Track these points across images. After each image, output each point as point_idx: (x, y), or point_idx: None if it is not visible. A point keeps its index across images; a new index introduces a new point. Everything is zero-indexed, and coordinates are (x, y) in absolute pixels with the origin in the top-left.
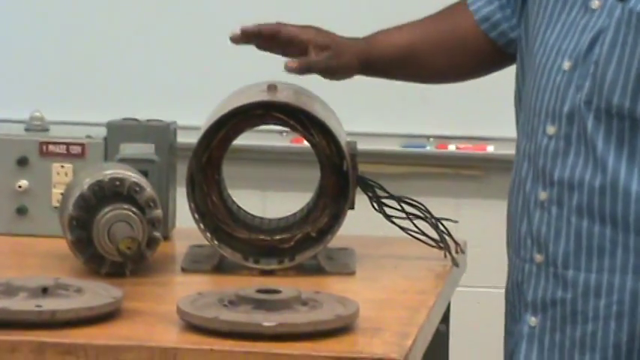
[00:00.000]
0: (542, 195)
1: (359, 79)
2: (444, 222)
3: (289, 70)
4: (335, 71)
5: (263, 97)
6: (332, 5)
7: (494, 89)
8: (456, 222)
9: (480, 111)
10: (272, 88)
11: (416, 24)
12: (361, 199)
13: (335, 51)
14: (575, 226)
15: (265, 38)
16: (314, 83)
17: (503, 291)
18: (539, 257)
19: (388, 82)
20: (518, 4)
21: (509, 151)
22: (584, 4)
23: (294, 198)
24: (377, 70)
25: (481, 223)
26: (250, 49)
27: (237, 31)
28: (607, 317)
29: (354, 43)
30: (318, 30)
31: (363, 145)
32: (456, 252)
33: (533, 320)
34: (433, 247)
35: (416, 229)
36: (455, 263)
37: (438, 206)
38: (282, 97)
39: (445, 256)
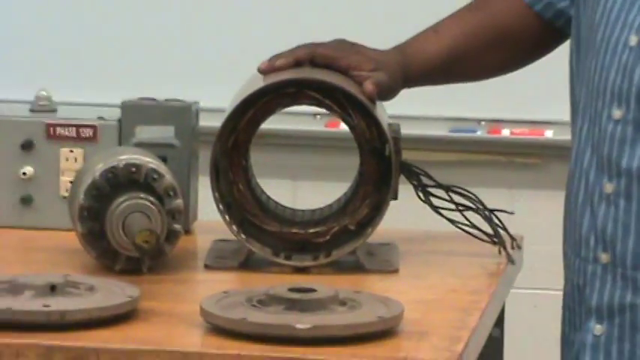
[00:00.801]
0: (608, 187)
1: None
2: (497, 214)
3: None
4: (386, 95)
5: (295, 74)
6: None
7: (553, 67)
8: (511, 213)
9: (536, 92)
10: (305, 64)
11: (453, 21)
12: (405, 189)
13: (384, 72)
14: None
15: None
16: None
17: (560, 292)
18: (604, 257)
19: None
20: None
21: (570, 136)
22: None
23: (329, 188)
24: (420, 83)
25: (538, 217)
26: (280, 24)
27: (266, 65)
28: None
29: (393, 57)
30: (353, 48)
31: (407, 130)
32: (512, 248)
33: (598, 328)
34: (486, 242)
35: (466, 222)
36: (511, 260)
37: (490, 198)
38: (316, 74)
39: (500, 252)
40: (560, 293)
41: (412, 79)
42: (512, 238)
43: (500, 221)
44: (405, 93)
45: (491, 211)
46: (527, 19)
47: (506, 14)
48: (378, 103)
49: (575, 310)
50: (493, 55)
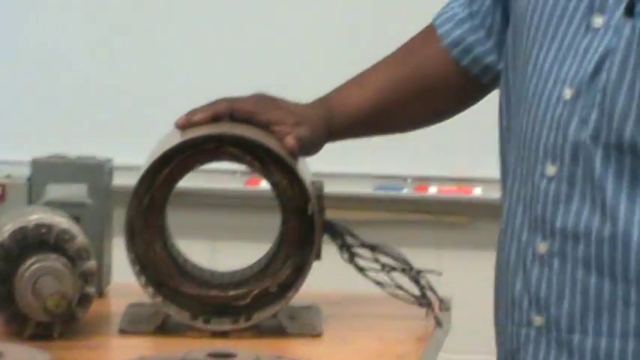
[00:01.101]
0: (542, 247)
1: None
2: (425, 275)
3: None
4: (309, 150)
5: (214, 129)
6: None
7: (481, 123)
8: (439, 274)
9: (464, 148)
10: (224, 118)
11: (377, 72)
12: (329, 248)
13: (307, 126)
14: (582, 282)
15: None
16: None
17: (493, 357)
18: (538, 320)
19: None
20: (495, 25)
21: (500, 194)
22: (584, 23)
23: (250, 249)
24: (344, 136)
25: (466, 279)
26: (201, 76)
27: (183, 119)
28: None
29: (315, 111)
30: (273, 102)
31: (330, 187)
32: (440, 310)
33: None
34: (413, 304)
35: (393, 283)
36: (439, 323)
37: (417, 257)
38: (236, 129)
39: (427, 314)
40: (491, 358)
41: (336, 133)
42: (440, 300)
43: (427, 282)
44: (328, 148)
45: (419, 271)
46: (453, 73)
47: (431, 66)
48: (300, 159)
49: None
50: (418, 107)
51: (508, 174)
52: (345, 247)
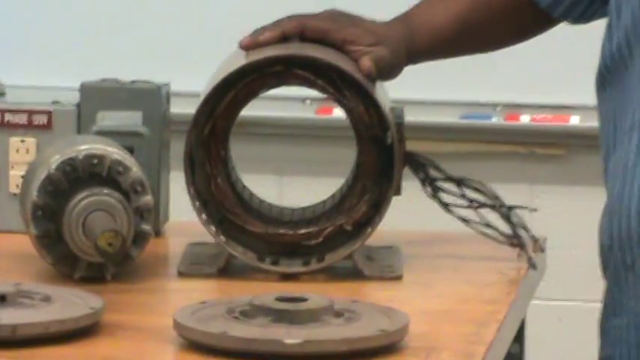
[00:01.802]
0: None
1: None
2: (517, 212)
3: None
4: (388, 73)
5: (282, 50)
6: None
7: (578, 46)
8: (533, 211)
9: (560, 72)
10: (294, 38)
11: None
12: (410, 184)
13: (385, 46)
14: None
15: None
16: None
17: (591, 305)
18: None
19: None
20: None
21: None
22: None
23: (321, 183)
24: (426, 57)
25: (563, 217)
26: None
27: (248, 39)
28: None
29: (396, 30)
30: (349, 20)
31: (412, 116)
32: (534, 251)
33: None
34: (504, 243)
35: (481, 221)
36: (532, 265)
37: (508, 193)
38: (306, 49)
39: (519, 255)
40: (589, 305)
41: (418, 54)
42: (535, 240)
43: (520, 220)
44: (409, 73)
45: (510, 207)
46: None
47: None
48: (378, 83)
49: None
50: (504, 25)
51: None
52: (428, 181)
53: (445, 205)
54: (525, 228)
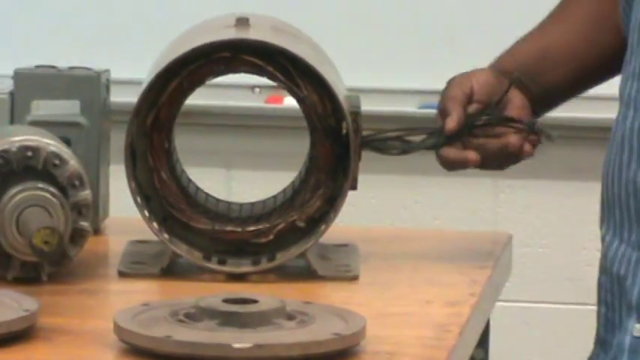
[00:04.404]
0: None
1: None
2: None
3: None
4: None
5: (230, 34)
6: None
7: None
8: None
9: None
10: (243, 22)
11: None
12: (366, 177)
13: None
14: None
15: None
16: (299, 18)
17: (560, 307)
18: None
19: (399, 20)
20: None
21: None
22: None
23: (272, 177)
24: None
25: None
26: None
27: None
28: None
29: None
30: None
31: (368, 106)
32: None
33: (639, 328)
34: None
35: None
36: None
37: (470, 188)
38: (257, 34)
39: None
40: (555, 307)
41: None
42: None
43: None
44: (365, 60)
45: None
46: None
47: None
48: (331, 69)
49: (613, 305)
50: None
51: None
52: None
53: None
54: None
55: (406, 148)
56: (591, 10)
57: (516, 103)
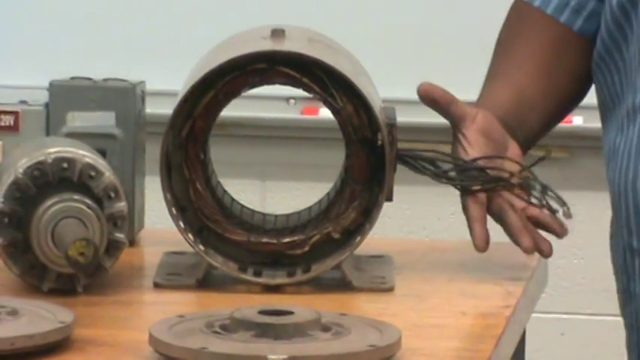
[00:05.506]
0: None
1: (395, 28)
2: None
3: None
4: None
5: (265, 45)
6: None
7: None
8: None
9: None
10: (278, 33)
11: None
12: (402, 188)
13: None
14: None
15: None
16: (335, 29)
17: (596, 318)
18: None
19: (434, 32)
20: None
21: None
22: None
23: (307, 189)
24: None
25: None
26: None
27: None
28: None
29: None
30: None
31: (404, 117)
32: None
33: None
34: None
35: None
36: (566, 213)
37: None
38: (292, 45)
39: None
40: (591, 318)
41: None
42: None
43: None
44: (401, 73)
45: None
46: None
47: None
48: (367, 80)
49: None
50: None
51: (614, 93)
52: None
53: (464, 186)
54: (559, 197)
55: (438, 173)
56: (545, 50)
57: (516, 152)
